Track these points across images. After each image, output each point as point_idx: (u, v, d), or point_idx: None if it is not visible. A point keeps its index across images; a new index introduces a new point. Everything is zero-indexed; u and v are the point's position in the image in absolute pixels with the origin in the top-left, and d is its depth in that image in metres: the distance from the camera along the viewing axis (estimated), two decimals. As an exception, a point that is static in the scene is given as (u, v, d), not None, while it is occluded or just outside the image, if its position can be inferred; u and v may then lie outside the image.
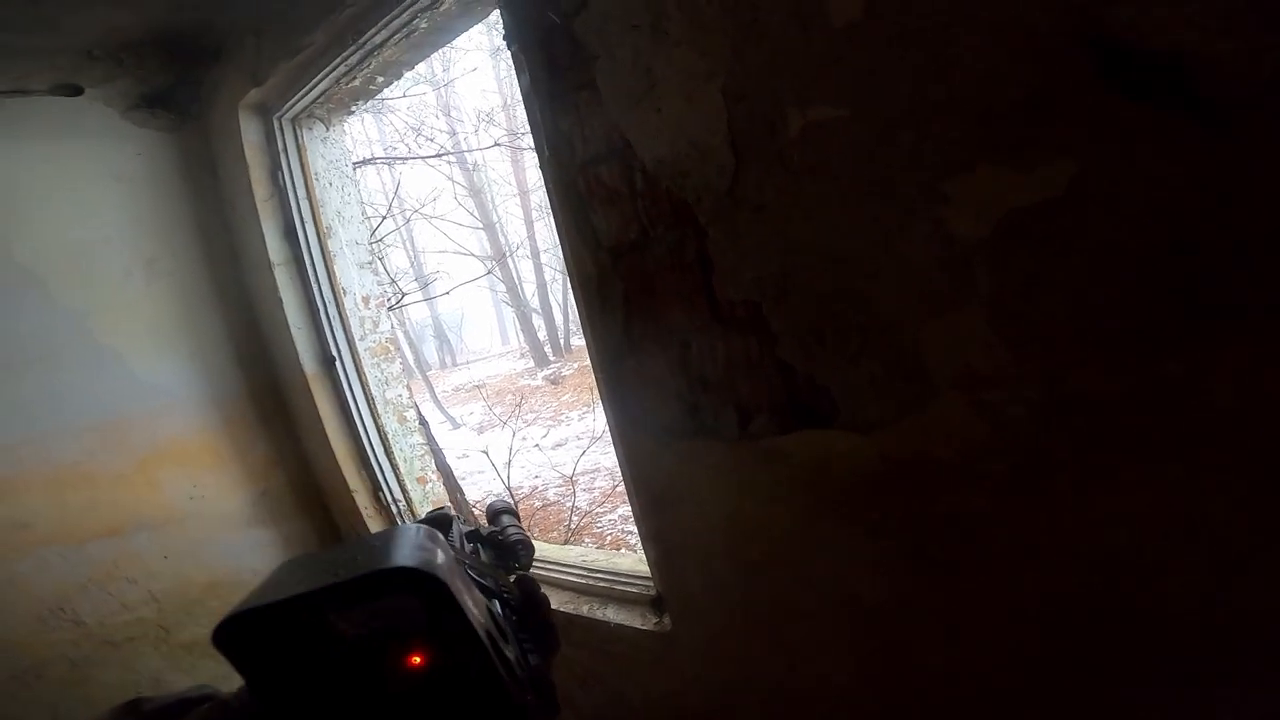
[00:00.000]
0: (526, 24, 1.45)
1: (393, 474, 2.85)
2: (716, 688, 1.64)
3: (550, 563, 2.30)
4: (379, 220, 4.39)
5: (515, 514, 0.78)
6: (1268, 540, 0.87)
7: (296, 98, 2.48)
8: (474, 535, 0.66)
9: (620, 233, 1.34)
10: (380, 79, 2.46)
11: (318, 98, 2.49)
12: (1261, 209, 0.79)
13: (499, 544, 0.68)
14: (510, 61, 1.56)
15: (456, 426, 12.24)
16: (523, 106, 1.55)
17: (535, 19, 1.41)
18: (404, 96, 7.70)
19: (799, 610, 1.38)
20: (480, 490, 8.57)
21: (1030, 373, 0.98)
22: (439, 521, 0.59)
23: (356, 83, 2.42)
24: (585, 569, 2.17)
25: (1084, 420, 0.96)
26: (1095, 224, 0.89)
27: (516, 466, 7.56)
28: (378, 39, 2.12)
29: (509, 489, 5.48)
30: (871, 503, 1.17)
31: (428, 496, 2.97)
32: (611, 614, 1.96)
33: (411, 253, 16.96)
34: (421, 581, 0.40)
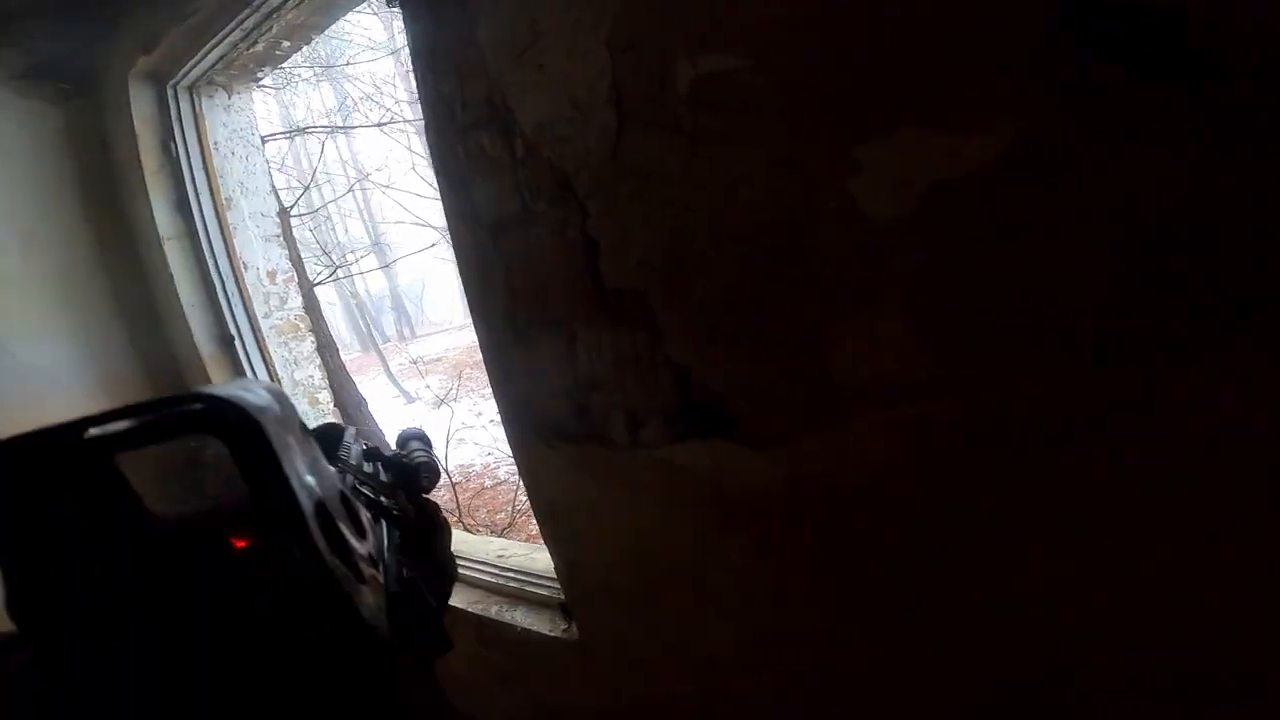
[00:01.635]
0: None
1: (305, 460, 2.63)
2: (635, 703, 1.50)
3: (464, 557, 2.13)
4: (304, 187, 4.07)
5: (427, 441, 0.68)
6: (1222, 599, 0.73)
7: (191, 65, 2.22)
8: (373, 454, 0.59)
9: (501, 207, 1.14)
10: (286, 43, 2.21)
11: (215, 64, 2.23)
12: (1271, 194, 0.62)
13: (401, 466, 0.59)
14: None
15: (410, 401, 11.88)
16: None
17: None
18: (348, 64, 7.26)
19: (706, 632, 1.23)
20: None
21: (955, 385, 0.81)
22: (325, 434, 0.51)
23: (259, 48, 2.17)
24: (498, 567, 2.00)
25: (1017, 443, 0.80)
26: (1043, 204, 0.72)
27: (470, 443, 7.32)
28: (274, 1, 1.87)
29: (447, 472, 5.26)
30: (772, 525, 1.01)
31: (348, 483, 2.76)
32: (520, 617, 1.81)
33: (368, 221, 16.34)
34: (233, 422, 0.30)
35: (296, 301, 2.54)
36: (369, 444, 0.62)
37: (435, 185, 1.29)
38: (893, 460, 0.88)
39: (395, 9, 1.28)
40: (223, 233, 2.36)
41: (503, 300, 1.20)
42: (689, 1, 0.87)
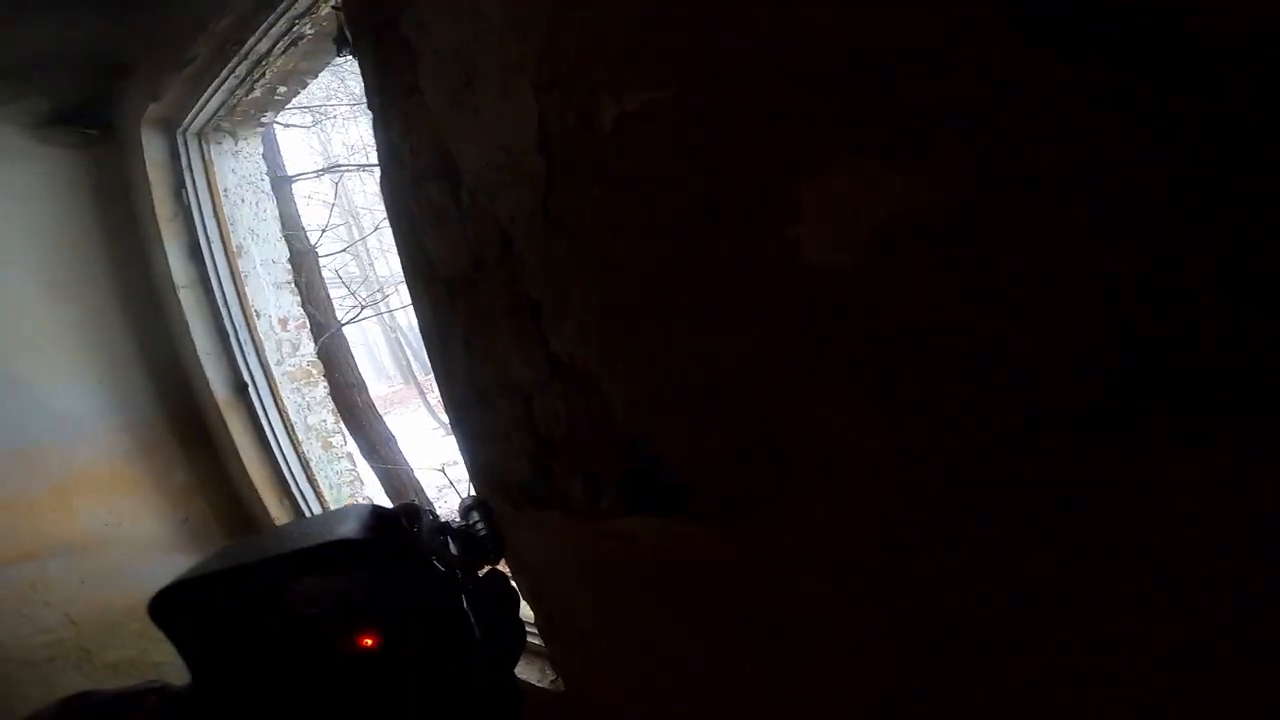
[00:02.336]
0: (360, 26, 1.20)
1: (316, 500, 2.64)
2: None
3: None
4: (321, 230, 4.16)
5: (488, 510, 0.68)
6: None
7: (195, 111, 2.30)
8: (443, 528, 0.60)
9: (452, 262, 1.08)
10: (283, 89, 2.26)
11: (218, 110, 2.29)
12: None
13: (469, 538, 0.61)
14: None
15: (448, 433, 12.03)
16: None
17: (368, 20, 1.18)
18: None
19: (680, 694, 1.14)
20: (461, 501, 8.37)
21: (916, 459, 0.71)
22: (408, 513, 0.55)
23: (257, 94, 2.23)
24: None
25: (980, 529, 0.69)
26: (1005, 243, 0.61)
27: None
28: (262, 47, 1.93)
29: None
30: (729, 603, 0.91)
31: (360, 523, 2.76)
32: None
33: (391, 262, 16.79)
34: (372, 555, 0.39)
35: (309, 347, 2.57)
36: (437, 518, 0.63)
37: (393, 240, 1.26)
38: (842, 541, 0.78)
39: (346, 57, 1.26)
40: (234, 280, 2.40)
41: (462, 362, 1.15)
42: (612, 31, 0.80)
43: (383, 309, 5.85)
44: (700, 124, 0.75)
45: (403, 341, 15.86)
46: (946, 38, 0.61)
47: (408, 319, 17.12)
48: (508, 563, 1.43)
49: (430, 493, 5.55)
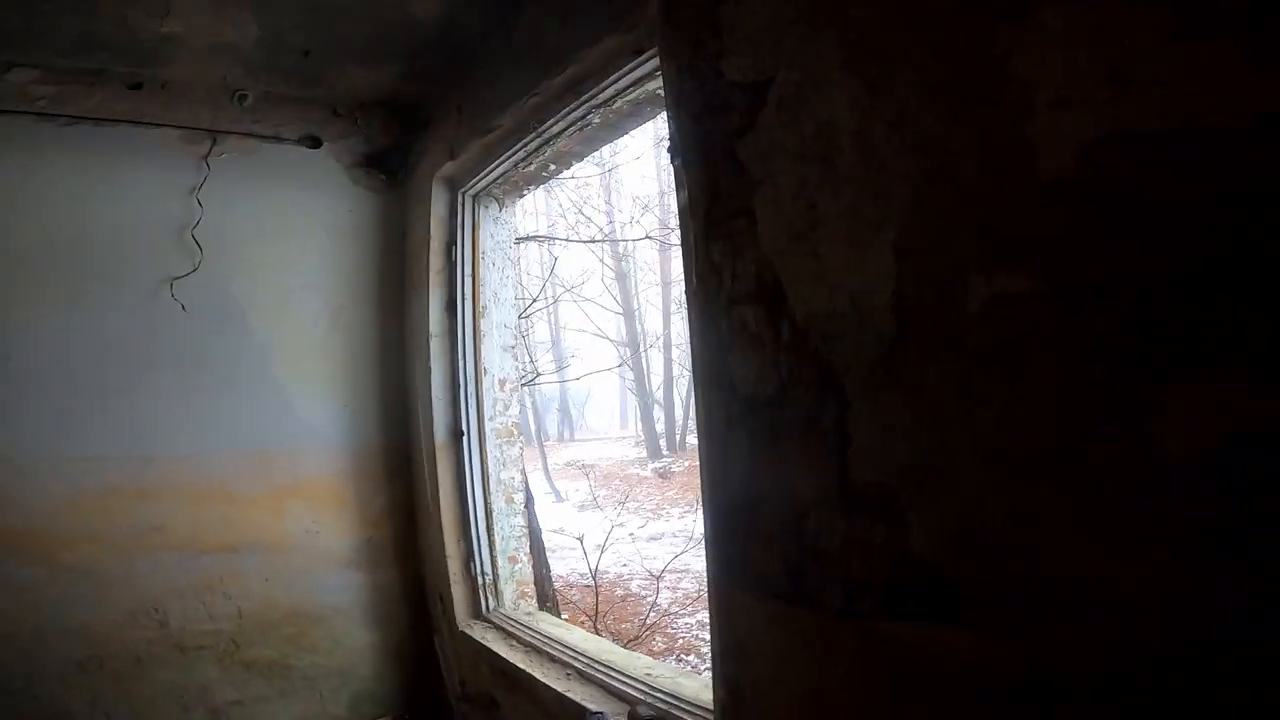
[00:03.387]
0: (691, 139, 1.40)
1: (488, 549, 2.82)
2: None
3: (612, 668, 2.14)
4: (531, 299, 4.59)
5: None
6: None
7: (481, 175, 2.64)
8: None
9: (758, 384, 1.23)
10: (553, 166, 2.60)
11: (498, 178, 2.64)
12: None
13: None
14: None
15: (560, 500, 12.29)
16: (676, 220, 1.51)
17: (700, 135, 1.38)
18: (573, 177, 8.24)
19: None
20: (567, 567, 8.43)
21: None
22: None
23: (531, 168, 2.56)
24: (646, 685, 2.00)
25: None
26: None
27: (609, 553, 7.38)
28: (555, 129, 2.25)
29: (593, 573, 5.31)
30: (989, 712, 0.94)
31: (515, 575, 2.91)
32: (665, 740, 1.76)
33: (553, 328, 17.81)
34: None
35: (515, 410, 2.84)
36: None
37: (689, 346, 1.43)
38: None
39: (674, 163, 1.44)
40: (475, 338, 2.73)
41: (742, 466, 1.28)
42: (984, 216, 0.92)
43: (543, 381, 6.24)
44: (1073, 317, 0.85)
45: (534, 407, 16.64)
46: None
47: (540, 392, 18.01)
48: (715, 639, 1.49)
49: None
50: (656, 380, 17.82)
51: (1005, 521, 0.92)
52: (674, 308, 17.04)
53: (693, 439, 16.66)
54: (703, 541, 1.45)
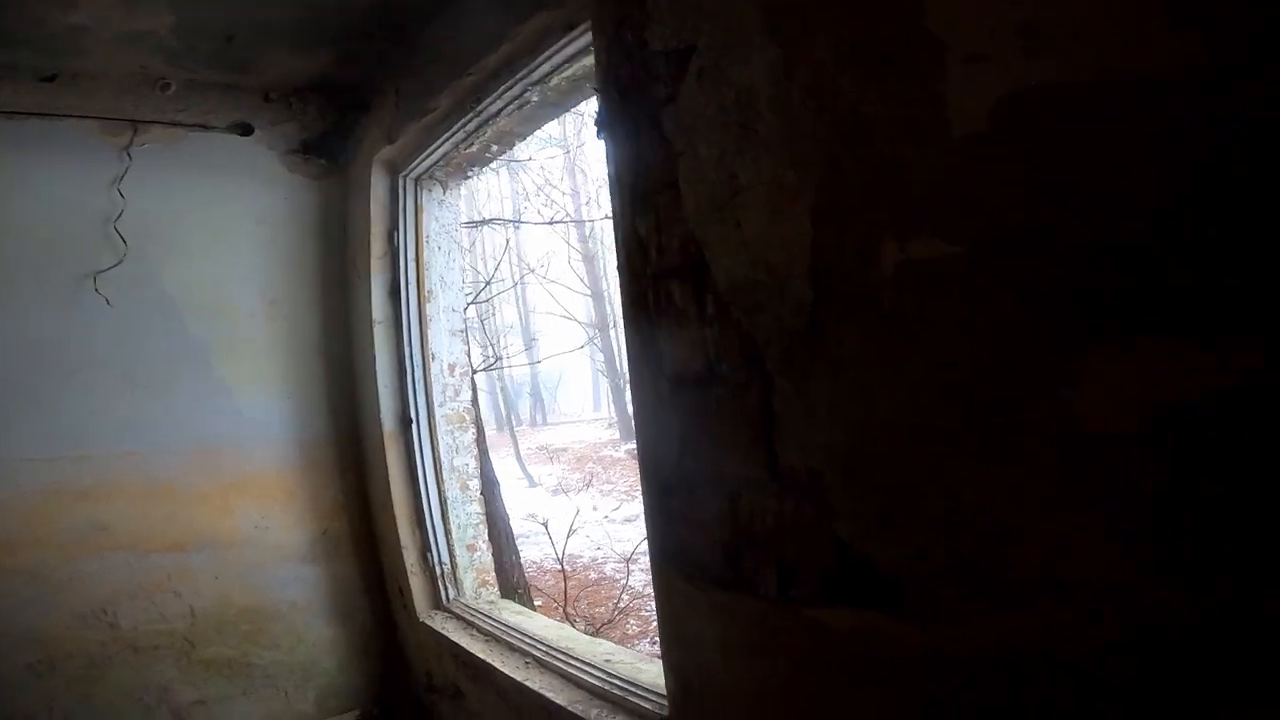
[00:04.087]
0: (619, 113, 1.35)
1: (444, 538, 2.77)
2: None
3: (572, 656, 2.12)
4: (486, 282, 4.50)
5: None
6: None
7: (421, 158, 2.57)
8: None
9: (685, 362, 1.19)
10: (495, 147, 2.53)
11: (439, 160, 2.57)
12: None
13: None
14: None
15: (533, 485, 12.25)
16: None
17: (627, 109, 1.33)
18: (530, 159, 8.11)
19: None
20: (540, 553, 8.42)
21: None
22: None
23: (474, 149, 2.50)
24: (604, 672, 1.98)
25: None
26: None
27: (581, 536, 7.38)
28: (493, 108, 2.20)
29: (561, 559, 5.29)
30: (919, 691, 0.93)
31: (474, 563, 2.87)
32: (617, 726, 1.75)
33: (521, 310, 17.64)
34: None
35: (467, 395, 2.77)
36: None
37: (622, 323, 1.38)
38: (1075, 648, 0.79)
39: (601, 137, 1.40)
40: (420, 323, 2.66)
41: (673, 448, 1.24)
42: (898, 178, 0.89)
43: (508, 365, 6.17)
44: (988, 282, 0.82)
45: (504, 392, 16.52)
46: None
47: (509, 370, 17.86)
48: (661, 627, 1.47)
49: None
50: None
51: (929, 502, 0.89)
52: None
53: (666, 419, 16.71)
54: (647, 539, 1.42)
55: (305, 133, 2.85)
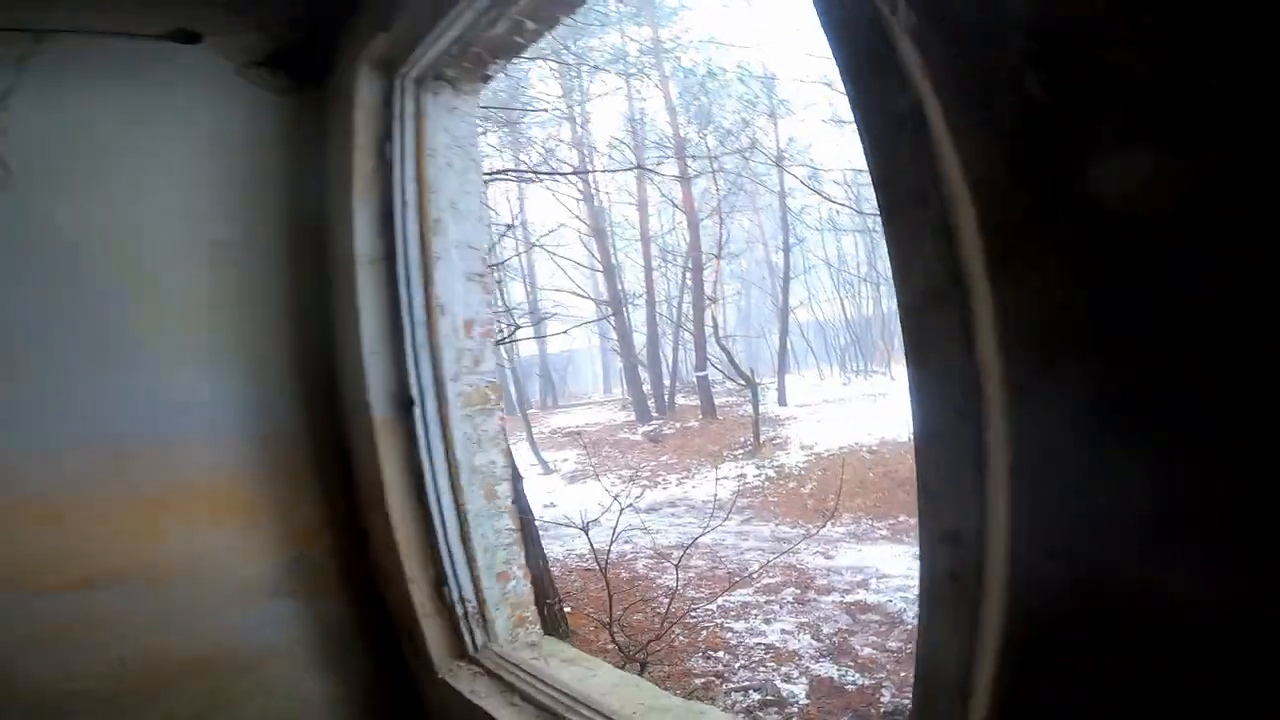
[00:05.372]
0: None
1: (465, 566, 2.00)
2: None
3: None
4: (499, 236, 3.69)
5: None
6: None
7: (425, 46, 1.79)
8: None
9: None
10: (530, 25, 1.73)
11: (451, 45, 1.78)
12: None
13: None
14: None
15: (548, 471, 11.50)
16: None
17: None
18: (524, 117, 7.36)
19: None
20: (562, 548, 7.67)
21: None
22: None
23: (499, 29, 1.71)
24: None
25: None
26: None
27: (605, 528, 6.66)
28: None
29: (603, 569, 4.50)
30: None
31: (507, 596, 2.11)
32: None
33: (529, 286, 16.82)
34: None
35: (490, 364, 1.96)
36: None
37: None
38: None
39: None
40: (424, 261, 1.84)
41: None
42: None
43: (519, 338, 5.38)
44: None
45: (514, 374, 15.76)
46: None
47: (517, 350, 17.06)
48: None
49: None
50: (640, 341, 16.91)
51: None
52: (655, 264, 16.15)
53: (682, 399, 16.00)
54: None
55: (274, 44, 2.07)
